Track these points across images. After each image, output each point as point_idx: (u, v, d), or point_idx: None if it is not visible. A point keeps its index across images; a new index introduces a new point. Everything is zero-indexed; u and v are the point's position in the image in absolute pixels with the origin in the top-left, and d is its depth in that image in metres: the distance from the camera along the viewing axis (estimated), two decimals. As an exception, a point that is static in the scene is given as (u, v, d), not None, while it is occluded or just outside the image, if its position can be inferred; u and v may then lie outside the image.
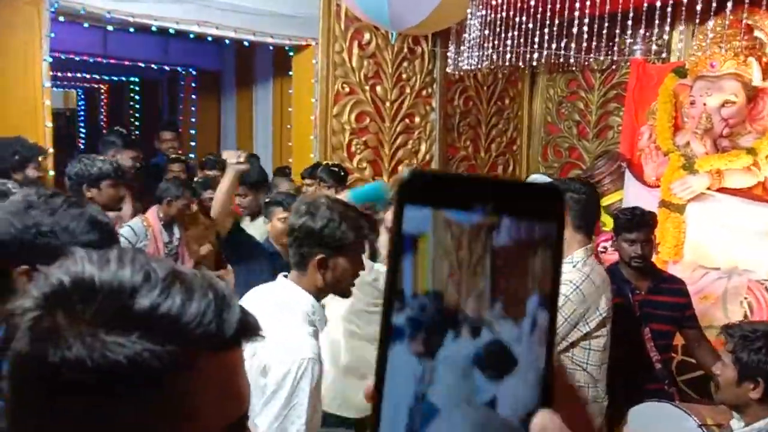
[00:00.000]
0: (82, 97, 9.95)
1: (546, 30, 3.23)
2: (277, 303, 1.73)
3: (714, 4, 3.32)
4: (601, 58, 3.93)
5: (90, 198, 2.87)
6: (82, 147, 8.69)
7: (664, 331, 2.88)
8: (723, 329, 2.08)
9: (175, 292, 0.54)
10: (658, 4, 3.73)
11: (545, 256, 0.36)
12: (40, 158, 3.29)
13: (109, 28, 4.53)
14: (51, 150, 3.76)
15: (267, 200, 3.35)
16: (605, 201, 4.32)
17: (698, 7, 3.62)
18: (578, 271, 2.31)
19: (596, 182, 4.61)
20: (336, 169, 3.88)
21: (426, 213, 0.36)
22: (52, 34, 3.70)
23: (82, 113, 9.95)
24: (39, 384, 0.52)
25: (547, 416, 0.33)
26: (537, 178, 3.41)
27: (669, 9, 3.80)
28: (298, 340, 1.60)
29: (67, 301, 0.53)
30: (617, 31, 3.94)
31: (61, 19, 3.87)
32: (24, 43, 3.63)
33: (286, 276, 1.81)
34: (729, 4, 3.49)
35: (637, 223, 2.85)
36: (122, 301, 0.53)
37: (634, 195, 4.25)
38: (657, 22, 3.69)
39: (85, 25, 4.18)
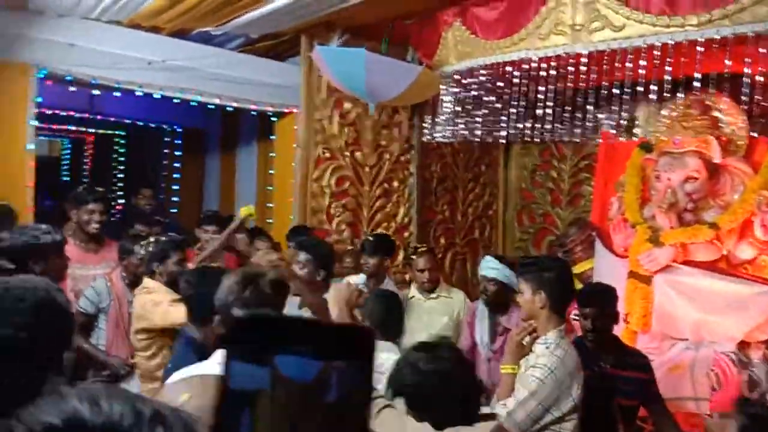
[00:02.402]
0: (68, 146, 10.04)
1: (513, 110, 3.38)
2: None
3: (681, 88, 3.48)
4: (569, 133, 4.09)
5: (38, 270, 2.78)
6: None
7: (628, 406, 2.92)
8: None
9: None
10: (626, 81, 3.92)
11: (360, 394, 0.41)
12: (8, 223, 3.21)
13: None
14: (31, 213, 3.83)
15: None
16: (577, 269, 4.39)
17: (664, 87, 3.80)
18: (551, 354, 2.35)
19: (568, 250, 4.72)
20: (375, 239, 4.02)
21: (255, 365, 0.39)
22: (39, 99, 3.81)
23: (66, 161, 10.03)
24: None
25: None
26: (489, 262, 3.47)
27: (636, 87, 3.99)
28: None
29: None
30: (586, 105, 4.12)
31: (48, 83, 3.99)
32: (10, 107, 3.73)
33: None
34: (695, 85, 3.67)
35: (586, 298, 2.92)
36: None
37: (604, 264, 4.34)
38: (624, 98, 3.85)
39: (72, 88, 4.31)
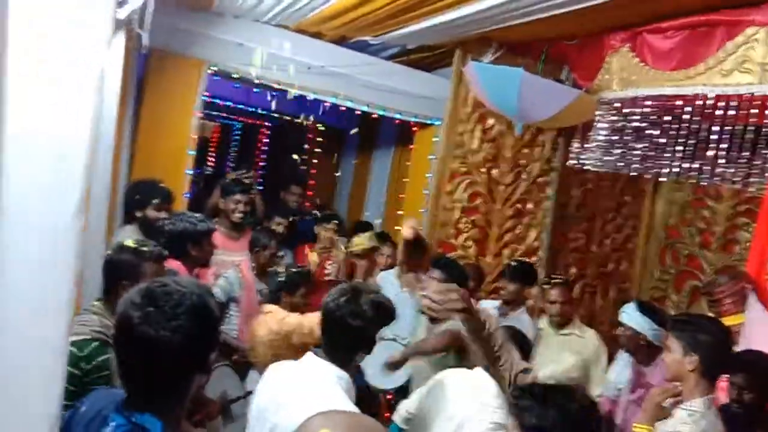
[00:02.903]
0: (218, 129, 10.81)
1: (680, 147, 3.13)
2: None
3: None
4: (738, 176, 3.73)
5: (193, 255, 3.10)
6: (210, 170, 9.44)
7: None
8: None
9: None
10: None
11: None
12: (155, 201, 3.52)
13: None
14: (187, 195, 4.13)
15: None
16: (724, 323, 4.04)
17: None
18: (695, 424, 2.17)
19: (715, 300, 4.31)
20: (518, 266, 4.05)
21: None
22: (207, 93, 4.11)
23: (214, 142, 10.82)
24: None
25: None
26: (628, 307, 3.27)
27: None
28: None
29: None
30: (758, 146, 3.74)
31: (216, 78, 4.28)
32: (181, 98, 4.05)
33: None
34: None
35: (737, 365, 2.64)
36: None
37: (757, 323, 3.92)
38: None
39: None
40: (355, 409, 1.82)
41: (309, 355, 2.01)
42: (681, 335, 2.30)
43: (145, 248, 2.33)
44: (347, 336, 1.96)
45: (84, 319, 2.22)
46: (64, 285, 1.14)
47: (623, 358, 3.34)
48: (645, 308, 3.17)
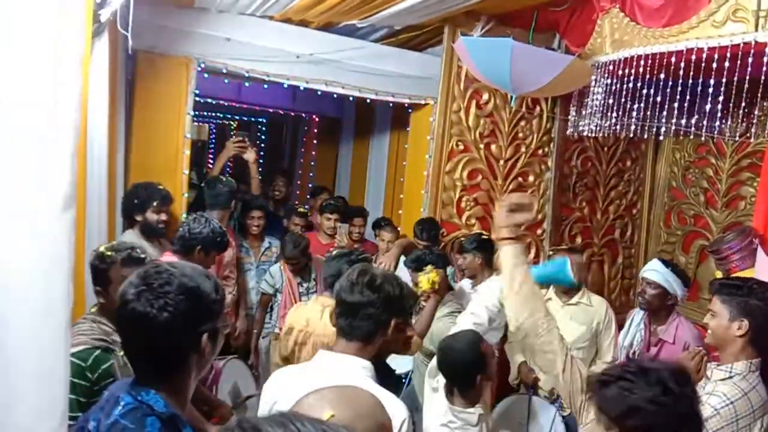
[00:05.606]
0: (214, 130, 10.78)
1: (676, 104, 3.09)
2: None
3: None
4: (734, 127, 3.69)
5: (196, 259, 3.05)
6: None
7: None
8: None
9: None
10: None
11: None
12: (154, 203, 3.53)
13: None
14: (185, 194, 4.11)
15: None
16: (734, 279, 4.01)
17: None
18: (735, 385, 2.12)
19: (724, 258, 4.29)
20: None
21: None
22: (197, 91, 4.08)
23: (212, 145, 10.79)
24: None
25: None
26: (652, 264, 3.26)
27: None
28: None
29: None
30: (757, 98, 3.69)
31: (206, 75, 4.24)
32: (172, 97, 4.02)
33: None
34: None
35: None
36: None
37: (766, 277, 3.90)
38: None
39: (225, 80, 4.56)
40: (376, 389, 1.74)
41: (321, 353, 1.91)
42: (729, 300, 2.20)
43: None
44: (367, 318, 1.86)
45: (83, 329, 2.21)
46: (60, 281, 1.12)
47: (635, 320, 3.33)
48: (674, 267, 3.18)
